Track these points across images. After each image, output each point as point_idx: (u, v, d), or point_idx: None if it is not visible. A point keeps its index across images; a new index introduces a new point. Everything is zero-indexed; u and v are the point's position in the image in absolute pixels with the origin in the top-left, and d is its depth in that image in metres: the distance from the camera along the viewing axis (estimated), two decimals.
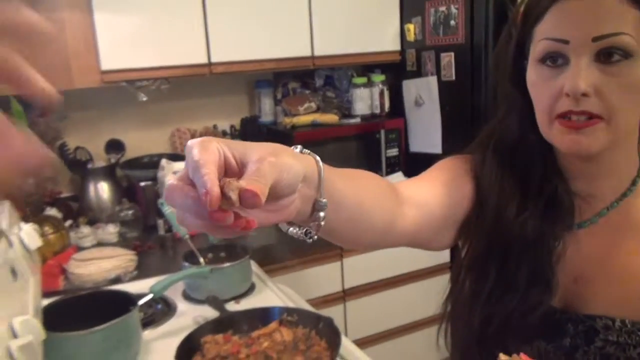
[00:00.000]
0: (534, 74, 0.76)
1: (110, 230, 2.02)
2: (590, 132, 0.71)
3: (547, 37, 0.73)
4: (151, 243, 1.98)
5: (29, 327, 0.85)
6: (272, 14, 2.16)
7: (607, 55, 0.69)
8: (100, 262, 1.68)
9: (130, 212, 2.06)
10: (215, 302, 1.36)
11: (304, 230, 0.60)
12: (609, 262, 0.78)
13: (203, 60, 2.06)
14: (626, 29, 0.68)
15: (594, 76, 0.69)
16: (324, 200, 0.59)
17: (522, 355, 0.62)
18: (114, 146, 2.23)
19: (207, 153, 0.48)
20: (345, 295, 2.17)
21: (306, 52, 2.25)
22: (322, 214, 0.59)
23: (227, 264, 1.50)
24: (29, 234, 1.20)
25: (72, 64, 1.85)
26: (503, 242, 0.80)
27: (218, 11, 2.06)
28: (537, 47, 0.74)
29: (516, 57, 0.80)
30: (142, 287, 1.44)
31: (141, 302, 1.27)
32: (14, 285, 0.97)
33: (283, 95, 2.55)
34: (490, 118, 0.89)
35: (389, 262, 2.19)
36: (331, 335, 1.17)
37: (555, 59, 0.73)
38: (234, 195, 0.46)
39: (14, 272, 0.99)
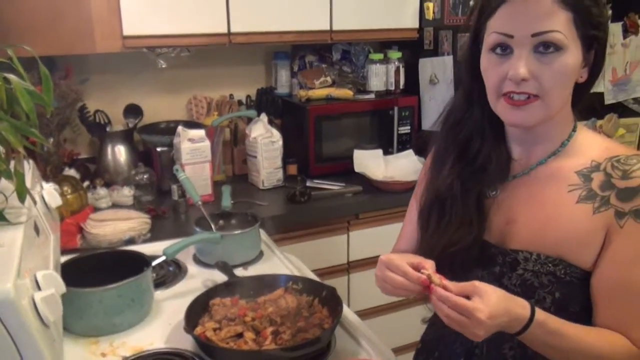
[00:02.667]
0: (485, 60, 0.93)
1: (126, 193, 2.08)
2: (528, 109, 0.90)
3: (496, 31, 0.90)
4: (165, 207, 2.04)
5: (51, 281, 0.91)
6: None
7: (544, 47, 0.86)
8: (116, 223, 1.75)
9: (145, 176, 2.12)
10: (225, 267, 1.42)
11: None
12: (532, 207, 0.97)
13: (223, 29, 2.08)
14: (559, 27, 0.85)
15: (532, 64, 0.87)
16: None
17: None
18: (132, 111, 2.28)
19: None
20: (350, 267, 2.23)
21: (325, 26, 2.26)
22: None
23: (237, 231, 1.56)
24: (50, 193, 1.26)
25: (94, 29, 1.88)
26: (439, 196, 1.04)
27: None
28: (489, 38, 0.91)
29: (472, 44, 0.98)
30: (155, 249, 1.48)
31: (154, 263, 1.33)
32: (37, 241, 1.03)
33: (300, 68, 2.57)
34: None
35: (393, 237, 2.23)
36: (333, 303, 1.22)
37: (504, 49, 0.90)
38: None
39: (36, 229, 1.05)
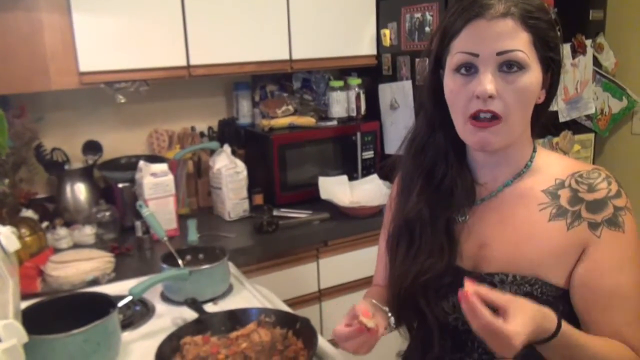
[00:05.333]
0: (451, 82, 0.95)
1: (87, 232, 2.02)
2: (493, 132, 0.91)
3: (461, 50, 0.92)
4: (129, 245, 1.98)
5: (12, 331, 0.86)
6: (251, 18, 2.18)
7: (508, 66, 0.89)
8: (78, 264, 1.68)
9: (107, 213, 2.06)
10: (194, 303, 1.38)
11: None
12: (504, 229, 0.98)
13: (182, 62, 2.07)
14: (521, 47, 0.89)
15: (497, 83, 0.89)
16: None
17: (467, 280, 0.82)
18: (91, 147, 2.23)
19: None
20: (321, 295, 2.21)
21: (284, 56, 2.28)
22: None
23: (205, 266, 1.52)
24: (7, 236, 1.21)
25: (49, 65, 1.84)
26: (408, 222, 1.04)
27: (197, 14, 2.07)
28: (453, 59, 0.93)
29: (433, 70, 1.00)
30: (120, 289, 1.44)
31: (120, 304, 1.28)
32: None
33: (261, 98, 2.57)
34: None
35: (364, 262, 2.23)
36: (308, 335, 1.20)
37: (468, 68, 0.92)
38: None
39: None
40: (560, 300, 0.95)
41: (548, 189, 0.97)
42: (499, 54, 0.89)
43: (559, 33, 0.94)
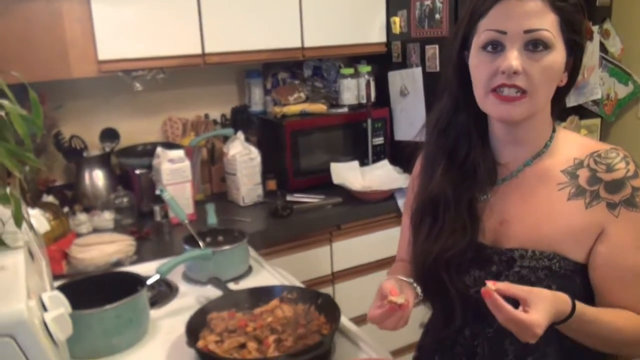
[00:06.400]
0: (476, 59, 0.97)
1: (106, 217, 2.07)
2: (517, 104, 0.94)
3: (489, 28, 0.94)
4: (147, 229, 2.03)
5: (57, 301, 0.91)
6: (264, 6, 2.22)
7: (534, 45, 0.92)
8: (102, 246, 1.74)
9: (125, 199, 2.11)
10: (218, 282, 1.43)
11: None
12: (524, 207, 1.01)
13: (197, 50, 2.11)
14: (548, 26, 0.92)
15: (523, 60, 0.92)
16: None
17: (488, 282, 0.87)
18: (108, 135, 2.27)
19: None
20: (334, 277, 2.26)
21: (296, 44, 2.32)
22: None
23: (227, 247, 1.57)
24: (37, 218, 1.26)
25: (69, 54, 1.89)
26: (431, 200, 1.07)
27: (212, 2, 2.11)
28: (481, 37, 0.96)
29: (459, 49, 1.02)
30: (143, 270, 1.48)
31: (149, 281, 1.33)
32: (33, 266, 1.03)
33: (273, 86, 2.61)
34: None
35: (375, 245, 2.29)
36: (330, 309, 1.25)
37: (495, 46, 0.94)
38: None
39: (31, 254, 1.06)
40: (576, 273, 0.98)
41: (567, 169, 1.00)
42: (526, 32, 0.91)
43: (585, 19, 0.97)
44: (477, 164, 1.04)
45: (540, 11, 0.91)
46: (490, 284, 0.86)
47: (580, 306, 0.90)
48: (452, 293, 1.05)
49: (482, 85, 0.96)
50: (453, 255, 1.03)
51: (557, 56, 0.93)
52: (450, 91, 1.06)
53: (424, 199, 1.09)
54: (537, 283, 0.97)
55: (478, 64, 0.97)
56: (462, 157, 1.05)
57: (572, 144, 1.03)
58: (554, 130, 1.05)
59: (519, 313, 0.84)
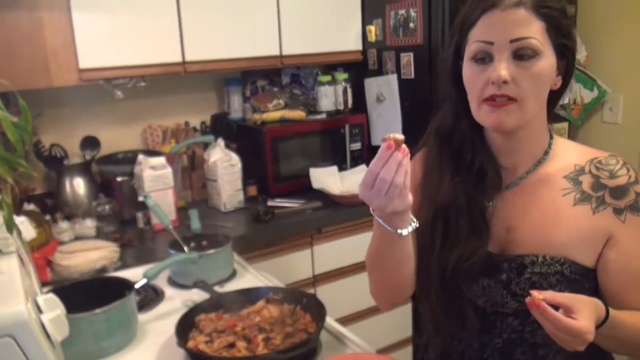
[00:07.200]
0: (468, 70, 0.99)
1: (88, 225, 2.08)
2: (507, 111, 0.94)
3: (477, 39, 0.96)
4: (130, 236, 2.05)
5: (53, 303, 0.93)
6: (244, 15, 2.26)
7: (522, 53, 0.93)
8: (86, 253, 1.75)
9: (107, 206, 2.12)
10: (205, 285, 1.46)
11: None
12: (530, 213, 1.02)
13: (178, 59, 2.14)
14: (534, 34, 0.93)
15: (511, 69, 0.93)
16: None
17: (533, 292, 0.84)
18: (89, 143, 2.28)
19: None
20: (315, 280, 2.30)
21: (275, 52, 2.37)
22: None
23: (212, 250, 1.60)
24: (24, 225, 1.28)
25: (50, 63, 1.90)
26: (443, 209, 1.04)
27: (192, 11, 2.14)
28: (470, 48, 0.98)
29: (454, 58, 1.03)
30: (127, 276, 1.49)
31: (137, 285, 1.36)
32: (23, 271, 1.05)
33: (252, 93, 2.65)
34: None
35: (355, 248, 2.33)
36: (315, 308, 1.29)
37: (484, 57, 0.96)
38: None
39: (20, 259, 1.07)
40: (585, 278, 0.99)
41: (569, 175, 1.01)
42: (512, 41, 0.92)
43: (572, 22, 0.99)
44: (485, 169, 1.03)
45: (526, 20, 0.93)
46: (537, 293, 0.84)
47: (612, 310, 0.89)
48: (465, 304, 1.04)
49: (476, 97, 0.97)
50: (474, 264, 1.00)
51: (546, 62, 0.94)
52: (450, 100, 1.07)
53: (434, 209, 1.05)
54: (549, 288, 0.97)
55: (470, 75, 0.98)
56: (468, 164, 1.04)
57: (571, 151, 1.05)
58: (551, 137, 1.06)
59: (571, 321, 0.82)
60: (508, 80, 0.93)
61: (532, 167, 1.04)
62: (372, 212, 0.94)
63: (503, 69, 0.93)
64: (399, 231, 0.92)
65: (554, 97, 1.02)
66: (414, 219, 0.94)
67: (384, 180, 0.86)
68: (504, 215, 1.03)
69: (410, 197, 0.89)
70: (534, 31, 0.93)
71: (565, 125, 2.73)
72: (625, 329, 0.92)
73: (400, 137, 0.86)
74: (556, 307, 0.84)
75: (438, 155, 1.08)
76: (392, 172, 0.85)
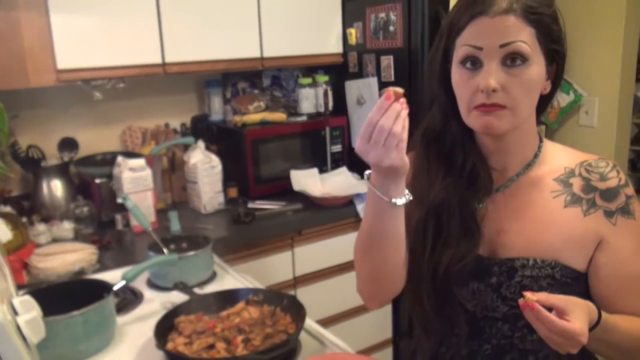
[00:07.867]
0: (457, 75, 0.97)
1: (66, 227, 2.05)
2: (498, 115, 0.93)
3: (466, 43, 0.94)
4: (109, 238, 2.03)
5: (28, 306, 0.92)
6: (224, 17, 2.26)
7: (511, 59, 0.91)
8: (63, 256, 1.73)
9: (85, 208, 2.10)
10: (184, 287, 1.46)
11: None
12: (521, 216, 1.01)
13: (157, 60, 2.13)
14: (524, 39, 0.91)
15: (500, 76, 0.91)
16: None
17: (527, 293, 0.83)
18: (67, 144, 2.26)
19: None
20: (296, 282, 2.31)
21: (256, 54, 2.37)
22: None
23: (192, 252, 1.60)
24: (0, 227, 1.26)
25: (27, 63, 1.87)
26: (434, 210, 1.02)
27: (171, 12, 2.13)
28: (459, 52, 0.95)
29: (442, 62, 1.01)
30: (106, 278, 1.48)
31: (116, 287, 1.35)
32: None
33: (232, 95, 2.65)
34: (424, 115, 1.11)
35: (336, 250, 2.35)
36: (295, 309, 1.29)
37: (474, 62, 0.94)
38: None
39: None
40: (576, 281, 0.99)
41: (559, 177, 1.01)
42: (501, 46, 0.90)
43: (562, 27, 0.98)
44: (477, 170, 1.02)
45: (516, 26, 0.91)
46: (530, 295, 0.82)
47: (604, 313, 0.89)
48: (456, 308, 1.03)
49: (465, 104, 0.96)
50: (465, 266, 0.99)
51: (536, 68, 0.93)
52: (439, 102, 1.05)
53: (426, 210, 1.03)
54: (539, 292, 0.93)
55: (459, 80, 0.96)
56: (460, 165, 1.03)
57: (560, 154, 1.05)
58: (541, 141, 1.05)
59: (565, 323, 0.81)
60: (497, 89, 0.91)
61: (522, 169, 1.03)
62: (366, 179, 0.92)
63: (492, 77, 0.91)
64: (393, 200, 0.90)
65: (544, 101, 1.00)
66: (408, 192, 0.93)
67: (382, 128, 0.84)
68: (495, 218, 1.02)
69: (407, 158, 0.87)
70: (524, 36, 0.91)
71: (542, 128, 2.78)
72: (617, 333, 0.91)
73: (400, 90, 0.85)
74: (548, 309, 0.83)
75: (426, 157, 1.06)
76: (390, 121, 0.84)
